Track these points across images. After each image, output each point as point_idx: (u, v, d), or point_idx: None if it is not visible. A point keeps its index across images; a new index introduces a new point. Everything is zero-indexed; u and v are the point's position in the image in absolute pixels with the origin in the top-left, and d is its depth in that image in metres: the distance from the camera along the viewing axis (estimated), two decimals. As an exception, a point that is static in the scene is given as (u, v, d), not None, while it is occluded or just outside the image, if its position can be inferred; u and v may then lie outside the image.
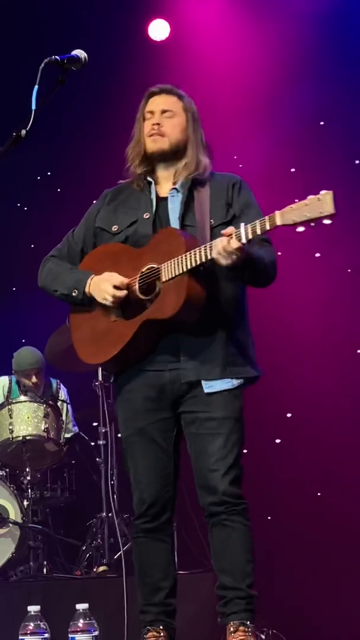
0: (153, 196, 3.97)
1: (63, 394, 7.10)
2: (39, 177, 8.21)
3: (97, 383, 6.50)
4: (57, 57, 3.50)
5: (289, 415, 7.17)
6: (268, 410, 6.81)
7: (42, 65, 3.46)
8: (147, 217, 3.92)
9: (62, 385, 7.15)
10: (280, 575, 6.40)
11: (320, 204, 3.42)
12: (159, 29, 7.79)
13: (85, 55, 3.57)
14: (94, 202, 4.16)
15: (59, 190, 8.13)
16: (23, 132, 3.38)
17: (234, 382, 3.82)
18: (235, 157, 7.21)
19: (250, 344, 3.92)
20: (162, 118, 3.98)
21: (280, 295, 6.20)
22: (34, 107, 3.39)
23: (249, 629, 3.64)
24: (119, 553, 6.05)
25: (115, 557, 6.09)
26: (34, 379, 6.92)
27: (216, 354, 3.79)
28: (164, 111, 3.99)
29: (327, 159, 7.21)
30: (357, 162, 7.31)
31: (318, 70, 7.33)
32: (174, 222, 3.89)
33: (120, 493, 6.37)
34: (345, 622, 6.00)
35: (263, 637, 5.26)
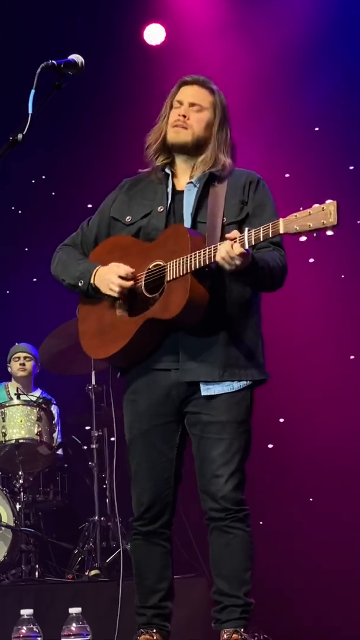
0: (169, 189, 3.90)
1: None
2: (33, 181, 8.20)
3: (90, 387, 6.51)
4: (53, 61, 3.51)
5: (281, 420, 7.18)
6: (260, 415, 6.75)
7: (39, 69, 3.46)
8: (161, 210, 3.86)
9: (46, 394, 7.17)
10: (272, 581, 6.39)
11: (324, 214, 3.33)
12: (154, 34, 7.80)
13: (82, 59, 3.57)
14: (113, 191, 4.09)
15: (53, 193, 8.13)
16: (20, 136, 3.39)
17: (235, 386, 3.77)
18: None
19: (258, 345, 3.85)
20: (190, 110, 3.90)
21: (273, 300, 6.18)
22: (30, 111, 3.40)
23: (242, 637, 3.63)
24: (112, 557, 6.06)
25: (107, 561, 6.09)
26: (22, 362, 7.13)
27: (216, 356, 3.72)
28: (192, 104, 3.90)
29: (322, 164, 7.21)
30: (351, 168, 7.32)
31: (314, 75, 7.34)
32: (187, 218, 3.82)
33: (117, 496, 6.36)
34: (337, 627, 5.99)
35: (254, 641, 5.25)
